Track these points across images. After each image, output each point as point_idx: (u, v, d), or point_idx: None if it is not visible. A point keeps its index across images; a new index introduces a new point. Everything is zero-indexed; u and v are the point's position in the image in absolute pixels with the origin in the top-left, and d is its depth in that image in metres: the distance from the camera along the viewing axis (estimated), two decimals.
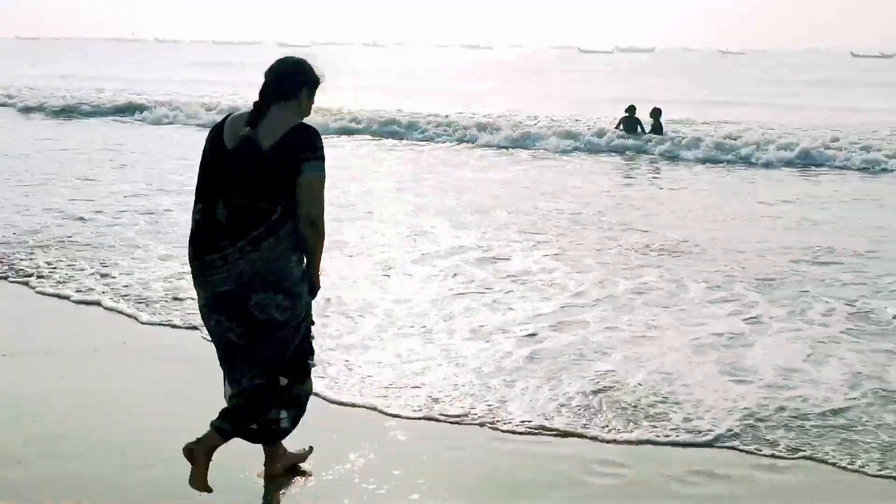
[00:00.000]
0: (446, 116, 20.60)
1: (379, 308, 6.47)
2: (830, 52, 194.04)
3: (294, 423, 3.61)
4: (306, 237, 3.31)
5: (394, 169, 14.50)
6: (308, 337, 3.53)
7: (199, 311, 3.45)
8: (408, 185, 12.61)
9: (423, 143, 18.24)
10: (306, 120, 3.41)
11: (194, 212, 3.34)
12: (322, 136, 3.34)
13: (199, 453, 3.34)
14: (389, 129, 19.39)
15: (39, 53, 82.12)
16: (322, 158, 3.28)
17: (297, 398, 3.56)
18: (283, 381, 3.44)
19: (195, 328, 5.78)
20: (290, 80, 3.41)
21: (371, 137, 18.90)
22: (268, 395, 3.44)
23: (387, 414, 4.66)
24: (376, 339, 5.83)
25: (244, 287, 3.25)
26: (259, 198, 3.22)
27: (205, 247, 3.28)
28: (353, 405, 4.77)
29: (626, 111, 18.32)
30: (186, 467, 3.40)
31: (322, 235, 3.35)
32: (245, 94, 27.67)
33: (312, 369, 3.63)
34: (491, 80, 49.38)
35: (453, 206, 10.76)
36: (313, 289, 3.46)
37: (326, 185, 3.31)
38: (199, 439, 3.36)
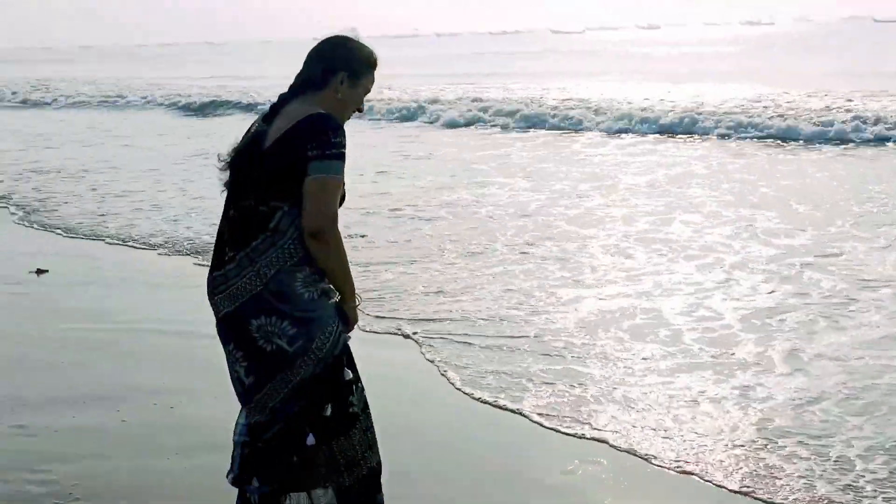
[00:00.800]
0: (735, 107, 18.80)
1: (673, 324, 5.59)
2: None
3: None
4: (314, 254, 2.61)
5: (679, 156, 13.63)
6: (336, 381, 2.71)
7: None
8: (713, 174, 11.70)
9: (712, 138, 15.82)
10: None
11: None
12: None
13: None
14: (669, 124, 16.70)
15: None
16: (336, 156, 2.56)
17: (332, 467, 2.71)
18: (310, 439, 2.67)
19: None
20: (321, 65, 2.73)
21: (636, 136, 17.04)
22: (286, 455, 2.68)
23: (618, 449, 3.93)
24: (648, 366, 4.91)
25: (242, 309, 2.64)
26: (260, 201, 2.62)
27: (215, 260, 2.74)
28: (578, 436, 4.08)
29: None
30: None
31: (333, 252, 2.62)
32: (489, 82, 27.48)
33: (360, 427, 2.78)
34: (772, 59, 45.58)
35: (775, 196, 9.76)
36: (345, 318, 2.75)
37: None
38: None
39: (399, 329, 5.69)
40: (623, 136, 16.41)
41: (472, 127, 18.69)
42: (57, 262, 7.57)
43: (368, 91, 2.80)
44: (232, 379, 2.75)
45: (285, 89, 2.80)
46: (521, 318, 5.86)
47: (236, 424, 2.78)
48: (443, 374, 4.93)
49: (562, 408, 4.41)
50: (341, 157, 2.58)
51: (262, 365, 2.64)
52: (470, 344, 5.38)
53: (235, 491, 2.79)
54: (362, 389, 2.82)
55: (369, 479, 2.79)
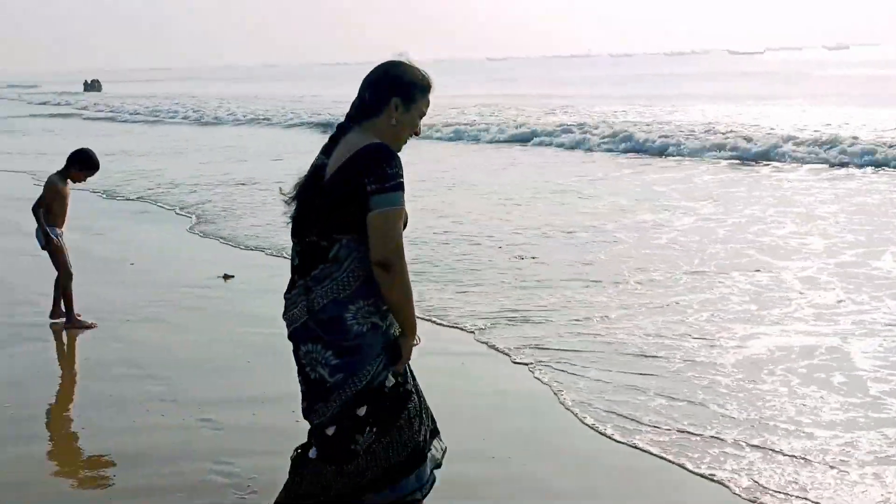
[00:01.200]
0: None
1: (860, 370, 4.95)
2: None
3: None
4: (380, 285, 2.64)
5: (877, 183, 12.52)
6: (374, 409, 2.71)
7: None
8: None
9: None
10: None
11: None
12: (398, 161, 2.63)
13: None
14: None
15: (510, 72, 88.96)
16: (395, 188, 2.60)
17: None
18: (313, 452, 2.80)
19: None
20: (374, 93, 2.74)
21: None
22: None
23: (741, 497, 3.56)
24: (811, 417, 4.36)
25: (295, 334, 2.75)
26: (321, 234, 2.68)
27: (289, 284, 2.81)
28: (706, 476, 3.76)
29: None
30: None
31: (398, 282, 2.64)
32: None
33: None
34: None
35: None
36: (394, 354, 2.72)
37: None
38: None
39: (508, 351, 5.51)
40: (810, 164, 15.25)
41: (644, 152, 17.80)
42: (237, 269, 7.90)
43: (424, 114, 2.80)
44: None
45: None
46: (675, 350, 5.44)
47: None
48: (555, 395, 4.76)
49: (678, 447, 4.08)
50: (399, 186, 2.63)
51: (309, 388, 2.75)
52: (586, 376, 5.07)
53: None
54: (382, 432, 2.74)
55: None
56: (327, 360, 2.68)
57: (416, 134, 2.83)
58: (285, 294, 2.81)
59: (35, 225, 6.11)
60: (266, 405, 4.63)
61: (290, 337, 2.79)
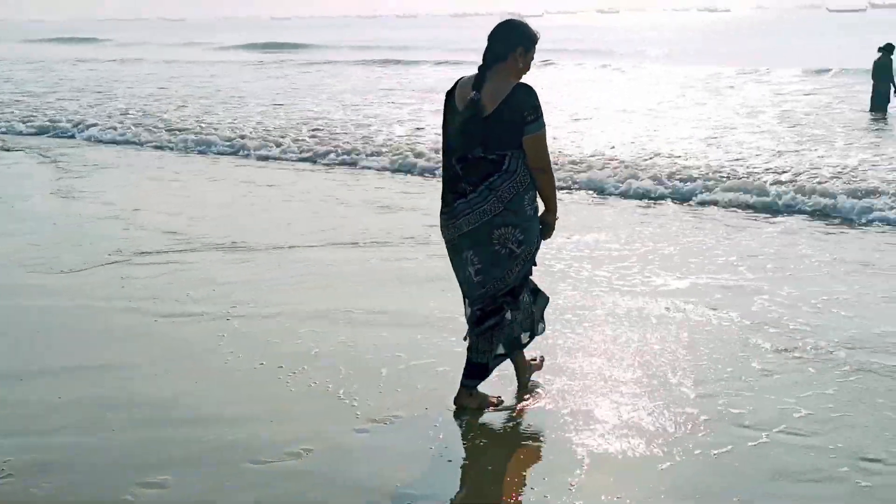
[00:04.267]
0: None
1: None
2: None
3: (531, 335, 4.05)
4: (539, 183, 3.75)
5: None
6: (527, 270, 3.86)
7: (446, 252, 3.92)
8: None
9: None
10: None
11: (442, 166, 3.85)
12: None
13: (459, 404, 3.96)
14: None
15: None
16: (541, 116, 3.66)
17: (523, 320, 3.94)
18: (508, 315, 3.82)
19: None
20: (505, 42, 3.74)
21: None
22: (492, 323, 3.83)
23: None
24: None
25: (486, 224, 3.69)
26: (489, 152, 3.67)
27: (452, 195, 3.75)
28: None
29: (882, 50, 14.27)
30: None
31: (552, 181, 3.79)
32: None
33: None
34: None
35: None
36: (547, 225, 3.85)
37: None
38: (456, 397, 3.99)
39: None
40: None
41: None
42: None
43: (533, 58, 3.83)
44: (461, 279, 3.85)
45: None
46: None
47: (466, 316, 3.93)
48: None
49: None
50: (543, 114, 3.67)
51: (492, 264, 3.74)
52: None
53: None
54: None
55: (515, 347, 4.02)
56: (516, 236, 3.71)
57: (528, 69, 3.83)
58: (453, 203, 3.73)
59: None
60: (25, 382, 4.33)
61: (472, 231, 3.71)
